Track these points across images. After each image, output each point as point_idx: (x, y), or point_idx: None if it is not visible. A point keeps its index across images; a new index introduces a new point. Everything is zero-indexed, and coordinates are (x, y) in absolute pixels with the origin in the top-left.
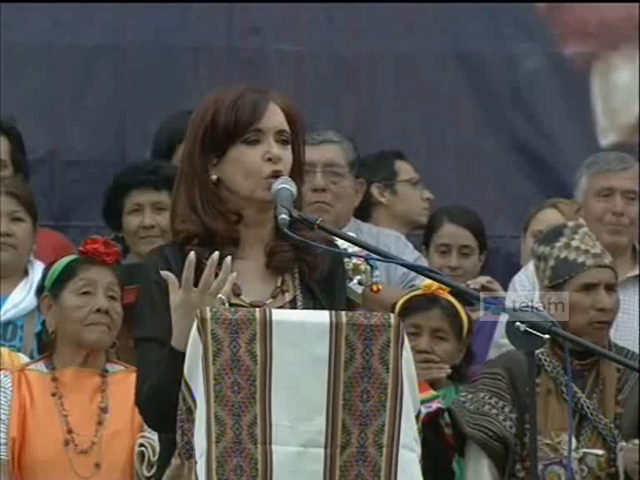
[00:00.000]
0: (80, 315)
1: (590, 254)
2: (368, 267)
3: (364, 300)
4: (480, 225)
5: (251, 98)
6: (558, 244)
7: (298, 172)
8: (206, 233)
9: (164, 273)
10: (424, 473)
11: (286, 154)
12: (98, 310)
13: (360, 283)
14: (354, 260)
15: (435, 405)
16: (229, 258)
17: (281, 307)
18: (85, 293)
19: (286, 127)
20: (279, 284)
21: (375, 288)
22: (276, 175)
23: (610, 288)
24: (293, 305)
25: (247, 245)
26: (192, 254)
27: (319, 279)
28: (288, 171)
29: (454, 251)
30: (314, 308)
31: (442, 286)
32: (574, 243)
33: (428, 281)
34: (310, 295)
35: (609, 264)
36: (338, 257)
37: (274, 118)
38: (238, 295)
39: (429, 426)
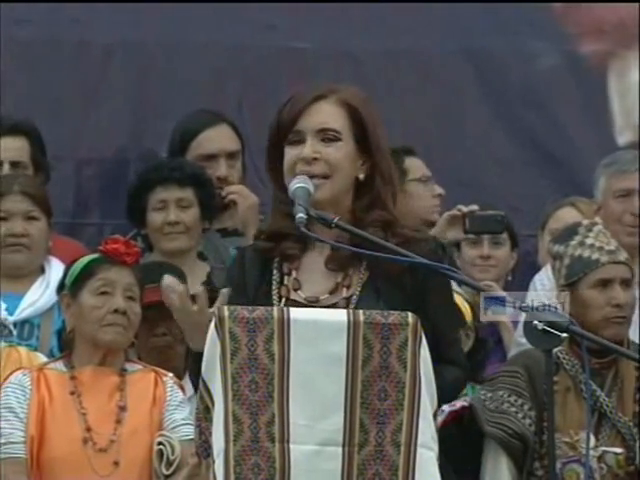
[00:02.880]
0: (97, 315)
1: (604, 251)
2: None
3: None
4: (509, 220)
5: (296, 99)
6: (573, 242)
7: (378, 169)
8: (276, 230)
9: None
10: (449, 472)
11: (327, 151)
12: (115, 311)
13: None
14: None
15: (459, 404)
16: (226, 290)
17: (335, 304)
18: (103, 293)
19: (332, 125)
20: (340, 280)
21: None
22: (308, 175)
23: (625, 284)
24: (347, 303)
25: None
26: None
27: (393, 279)
28: (335, 168)
29: (485, 241)
30: (372, 308)
31: None
32: (588, 241)
33: None
34: (374, 295)
35: (624, 260)
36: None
37: (316, 117)
38: (296, 290)
39: (454, 425)
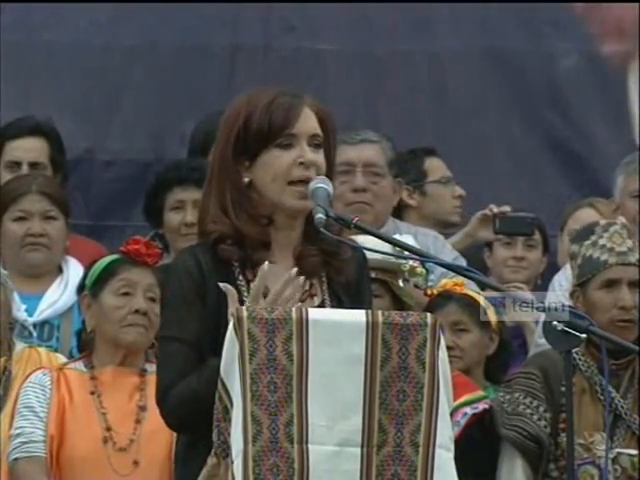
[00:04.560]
0: (118, 316)
1: (614, 252)
2: (424, 270)
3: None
4: (541, 223)
5: (286, 102)
6: (586, 242)
7: (329, 174)
8: (237, 235)
9: (223, 286)
10: (471, 474)
11: (319, 158)
12: (136, 311)
13: (416, 286)
14: (411, 262)
15: (481, 406)
16: (267, 264)
17: None
18: (124, 294)
19: (319, 131)
20: (307, 288)
21: (429, 292)
22: (306, 180)
23: (634, 286)
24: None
25: (277, 248)
26: (266, 264)
27: (345, 284)
28: (321, 174)
29: (519, 242)
30: None
31: (457, 283)
32: (601, 241)
33: (443, 281)
34: (337, 299)
35: (635, 262)
36: (363, 262)
37: (308, 123)
38: (266, 297)
39: (476, 426)
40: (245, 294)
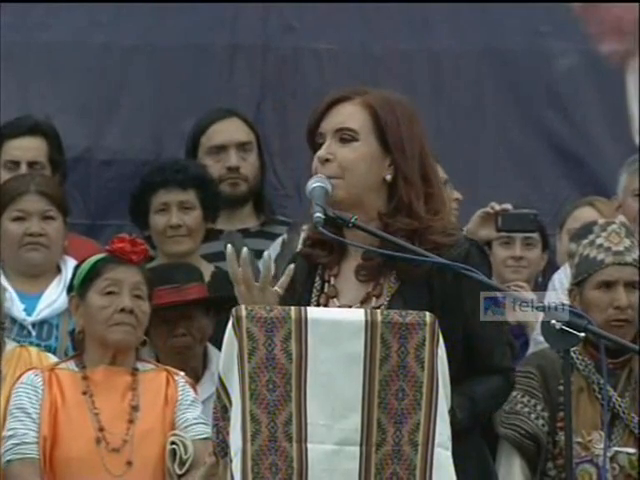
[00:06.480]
0: (104, 315)
1: (611, 252)
2: None
3: None
4: (540, 220)
5: (322, 103)
6: (584, 241)
7: (407, 165)
8: (312, 238)
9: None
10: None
11: (343, 152)
12: (122, 310)
13: None
14: None
15: None
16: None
17: None
18: (109, 293)
19: (349, 125)
20: (370, 289)
21: None
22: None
23: (631, 286)
24: None
25: (353, 250)
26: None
27: (425, 287)
28: (346, 169)
29: (517, 242)
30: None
31: None
32: (598, 241)
33: None
34: (402, 305)
35: (631, 262)
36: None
37: (334, 118)
38: (333, 298)
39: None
40: (314, 295)
